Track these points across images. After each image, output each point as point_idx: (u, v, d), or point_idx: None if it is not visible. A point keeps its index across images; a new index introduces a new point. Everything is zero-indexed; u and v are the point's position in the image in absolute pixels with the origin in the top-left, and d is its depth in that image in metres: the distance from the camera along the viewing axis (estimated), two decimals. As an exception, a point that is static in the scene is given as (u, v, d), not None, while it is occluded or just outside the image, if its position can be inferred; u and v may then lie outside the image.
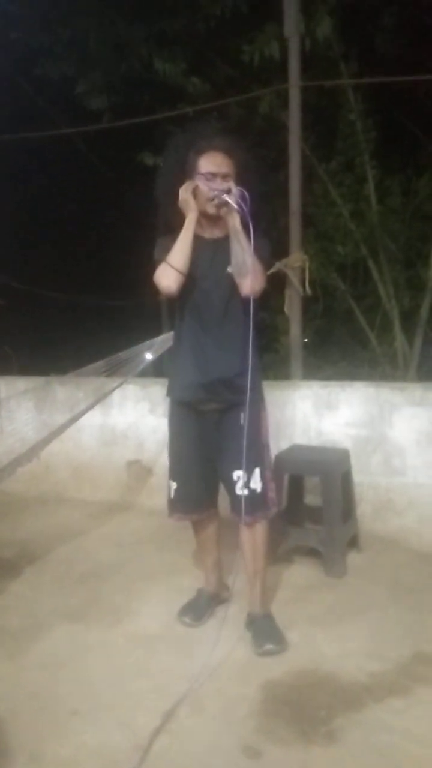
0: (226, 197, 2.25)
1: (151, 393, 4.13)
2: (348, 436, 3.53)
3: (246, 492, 2.40)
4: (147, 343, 4.11)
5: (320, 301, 5.50)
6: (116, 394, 4.09)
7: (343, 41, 5.06)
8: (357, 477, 3.38)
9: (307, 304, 4.34)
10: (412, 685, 2.14)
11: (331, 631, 2.51)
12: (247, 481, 2.41)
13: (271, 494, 2.49)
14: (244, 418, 2.35)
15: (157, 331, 4.24)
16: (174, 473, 2.58)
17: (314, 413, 3.62)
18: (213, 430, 2.48)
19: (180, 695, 2.08)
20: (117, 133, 5.17)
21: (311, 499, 3.42)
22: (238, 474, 2.41)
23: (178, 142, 2.46)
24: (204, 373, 2.40)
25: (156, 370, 4.63)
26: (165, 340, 3.81)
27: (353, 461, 3.35)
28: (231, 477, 2.43)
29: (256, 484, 2.42)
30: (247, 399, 2.32)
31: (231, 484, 2.44)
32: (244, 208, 2.23)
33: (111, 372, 3.85)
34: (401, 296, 5.64)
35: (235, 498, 2.43)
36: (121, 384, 3.89)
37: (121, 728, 1.95)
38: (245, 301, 2.33)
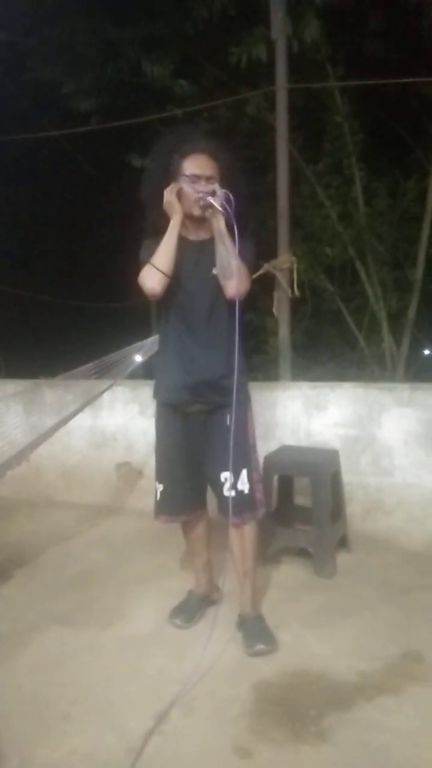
0: (210, 199, 2.26)
1: (140, 395, 4.13)
2: (337, 437, 3.55)
3: (233, 493, 2.40)
4: (136, 345, 4.11)
5: (309, 303, 5.53)
6: (106, 397, 4.08)
7: (331, 44, 5.09)
8: (346, 477, 3.39)
9: (296, 305, 4.36)
10: (403, 683, 2.16)
11: (322, 631, 2.52)
12: (234, 483, 2.40)
13: (259, 495, 2.49)
14: (230, 419, 2.36)
15: (147, 334, 4.23)
16: (160, 475, 2.58)
17: (303, 414, 3.64)
18: (199, 432, 2.48)
19: (172, 697, 2.08)
20: (105, 135, 5.16)
21: (301, 499, 3.44)
22: (225, 475, 2.40)
23: (163, 145, 2.46)
24: (189, 374, 2.41)
25: (145, 372, 4.62)
26: (154, 342, 3.80)
27: (342, 461, 3.36)
28: (218, 478, 2.43)
29: (244, 485, 2.42)
30: (233, 400, 2.33)
31: (218, 486, 2.44)
32: (229, 210, 2.24)
33: (100, 374, 3.84)
34: (389, 297, 5.68)
35: (222, 499, 2.43)
36: (111, 386, 3.89)
37: (113, 731, 1.95)
38: (230, 303, 2.35)
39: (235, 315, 2.34)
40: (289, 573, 3.08)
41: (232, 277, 2.29)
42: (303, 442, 3.63)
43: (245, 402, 2.50)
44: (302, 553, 3.15)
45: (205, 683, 2.17)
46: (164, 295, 2.38)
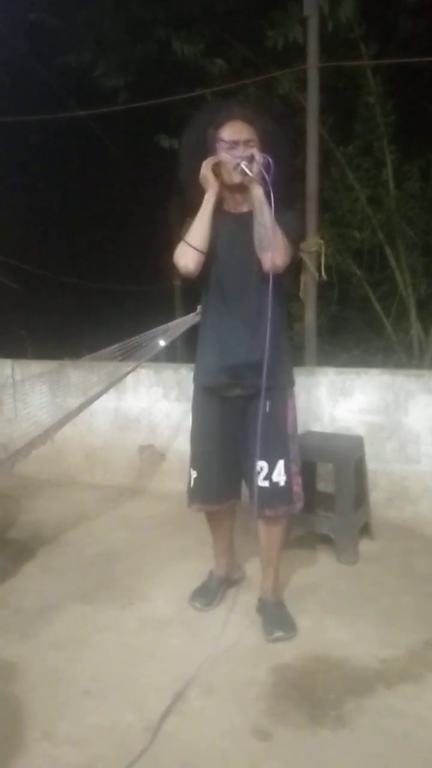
0: (244, 166, 2.15)
1: (164, 378, 4.13)
2: (362, 423, 3.51)
3: (267, 484, 2.32)
4: (160, 328, 4.10)
5: (335, 288, 5.45)
6: (129, 379, 4.09)
7: (364, 22, 4.96)
8: (371, 464, 3.36)
9: (322, 290, 4.30)
10: (424, 671, 2.14)
11: (343, 617, 2.50)
12: (269, 473, 2.31)
13: (297, 488, 2.38)
14: (269, 404, 2.24)
15: (171, 316, 4.21)
16: (195, 461, 2.49)
17: (328, 400, 3.60)
18: (238, 418, 2.38)
19: (190, 677, 2.09)
20: (133, 116, 5.12)
21: (324, 485, 3.41)
22: (261, 464, 2.31)
23: (197, 121, 2.36)
24: (228, 356, 2.30)
25: (168, 355, 4.61)
26: (178, 325, 3.79)
27: (367, 448, 3.32)
28: (253, 467, 2.32)
29: (280, 476, 2.32)
30: (275, 384, 2.23)
31: (253, 475, 2.34)
32: (267, 177, 2.11)
33: (125, 356, 3.84)
34: (418, 283, 5.57)
35: (256, 490, 2.33)
36: (135, 368, 3.89)
37: (131, 708, 1.97)
38: (274, 279, 2.19)
39: (277, 292, 2.20)
40: (310, 559, 3.07)
41: (268, 248, 2.15)
42: (327, 428, 3.59)
43: (287, 387, 2.38)
44: (324, 539, 3.13)
45: (224, 665, 2.18)
46: (203, 273, 2.28)
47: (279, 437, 2.33)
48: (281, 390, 2.33)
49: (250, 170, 2.15)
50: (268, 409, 2.25)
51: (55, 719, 1.93)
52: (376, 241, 5.51)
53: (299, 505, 2.41)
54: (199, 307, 3.17)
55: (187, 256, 2.24)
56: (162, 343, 3.79)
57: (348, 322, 6.32)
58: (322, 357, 4.21)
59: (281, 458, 2.33)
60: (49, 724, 1.90)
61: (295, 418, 2.42)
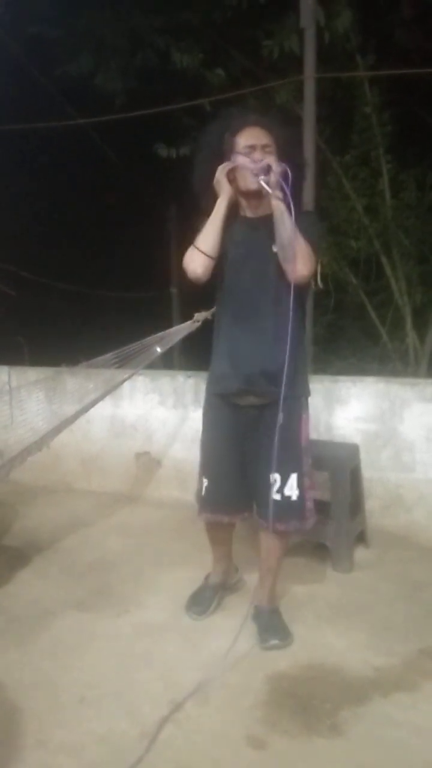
0: (262, 181, 2.11)
1: (160, 385, 4.13)
2: (358, 431, 3.52)
3: (279, 498, 2.25)
4: (157, 335, 4.11)
5: (332, 296, 5.48)
6: (126, 386, 4.09)
7: (361, 33, 5.01)
8: (366, 472, 3.36)
9: (319, 298, 4.32)
10: (420, 680, 2.14)
11: (338, 625, 2.50)
12: (281, 486, 2.25)
13: (309, 504, 2.32)
14: (283, 416, 2.16)
15: (168, 324, 4.23)
16: (206, 470, 2.43)
17: (324, 407, 3.61)
18: (251, 428, 2.32)
19: (186, 685, 2.08)
20: (131, 124, 5.15)
21: (320, 493, 3.41)
22: (274, 477, 2.24)
23: (213, 127, 2.32)
24: (243, 363, 2.24)
25: (165, 362, 4.62)
26: (176, 332, 3.80)
27: (363, 456, 3.33)
28: (265, 480, 2.26)
29: (292, 491, 2.26)
30: (289, 395, 2.18)
31: (264, 488, 2.27)
32: (286, 188, 2.07)
33: (121, 364, 3.84)
34: (414, 292, 5.60)
35: (267, 502, 2.25)
36: (131, 375, 3.89)
37: (127, 716, 1.96)
38: (292, 286, 2.13)
39: (297, 299, 2.14)
40: (306, 567, 3.07)
41: (294, 259, 2.09)
42: (323, 436, 3.60)
43: (302, 397, 2.32)
44: (320, 547, 3.13)
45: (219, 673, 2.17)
46: (217, 279, 2.25)
47: (292, 450, 2.27)
48: (296, 400, 2.28)
49: (268, 183, 2.11)
50: (282, 420, 2.18)
51: (50, 726, 1.92)
52: (373, 250, 5.54)
53: (311, 521, 2.35)
54: (196, 315, 3.19)
55: (196, 261, 2.20)
56: (159, 350, 3.80)
57: (344, 330, 6.35)
58: (318, 365, 4.23)
59: (294, 471, 2.28)
60: (43, 732, 1.90)
61: (308, 431, 2.36)
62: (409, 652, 2.30)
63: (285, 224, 2.10)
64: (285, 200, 2.09)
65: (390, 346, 5.73)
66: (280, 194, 2.10)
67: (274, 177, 2.10)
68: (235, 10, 4.95)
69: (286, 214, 2.09)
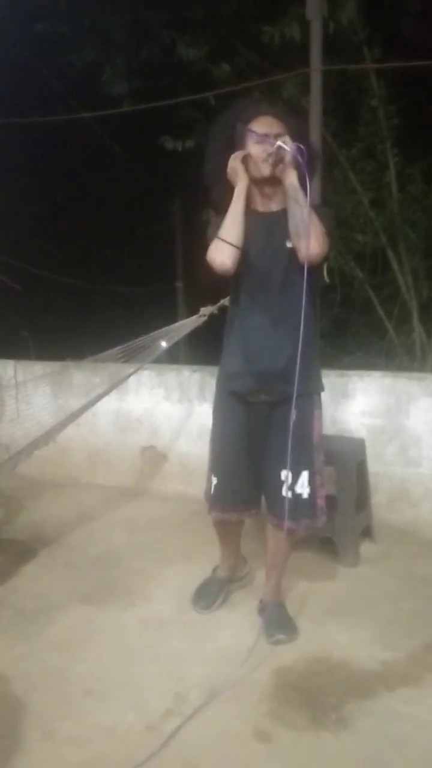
0: (281, 143, 2.07)
1: (166, 380, 4.13)
2: (364, 426, 3.51)
3: (290, 495, 2.24)
4: (162, 330, 4.11)
5: (338, 290, 5.46)
6: (132, 381, 4.10)
7: (367, 26, 4.98)
8: (372, 467, 3.36)
9: (325, 292, 4.31)
10: (425, 674, 2.14)
11: (344, 619, 2.50)
12: (292, 484, 2.23)
13: (320, 501, 2.30)
14: (295, 412, 2.14)
15: (173, 319, 4.22)
16: (216, 467, 2.40)
17: (330, 402, 3.60)
18: (262, 424, 2.31)
19: (192, 679, 2.09)
20: (138, 118, 5.14)
21: (326, 488, 3.40)
22: (285, 474, 2.23)
23: (225, 117, 2.30)
24: (256, 362, 2.23)
25: (170, 357, 4.61)
26: (181, 326, 3.80)
27: (369, 451, 3.32)
28: (277, 477, 2.25)
29: (303, 488, 2.25)
30: (302, 391, 2.15)
31: (275, 485, 2.27)
32: (301, 159, 2.06)
33: (127, 358, 3.85)
34: (420, 286, 5.58)
35: (278, 500, 2.26)
36: (137, 370, 3.90)
37: (133, 709, 1.97)
38: (308, 278, 2.11)
39: (312, 293, 2.14)
40: (312, 561, 3.07)
41: (307, 235, 2.05)
42: (329, 430, 3.58)
43: (314, 394, 2.30)
44: (326, 541, 3.13)
45: (225, 667, 2.18)
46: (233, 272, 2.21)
47: (304, 447, 2.25)
48: (308, 397, 2.26)
49: (284, 147, 2.07)
50: (294, 417, 2.16)
51: (56, 719, 1.93)
52: (379, 244, 5.53)
53: (322, 519, 2.33)
54: (202, 309, 3.19)
55: (224, 253, 2.15)
56: (164, 344, 3.80)
57: (350, 324, 6.33)
58: (324, 359, 4.20)
59: (305, 469, 2.27)
60: (50, 724, 1.91)
61: (321, 428, 2.34)
62: (415, 647, 2.30)
63: (299, 199, 2.08)
64: (300, 170, 2.08)
65: (396, 340, 5.72)
66: (298, 157, 2.07)
67: (290, 145, 2.08)
68: (240, 3, 4.92)
69: (299, 191, 2.09)
